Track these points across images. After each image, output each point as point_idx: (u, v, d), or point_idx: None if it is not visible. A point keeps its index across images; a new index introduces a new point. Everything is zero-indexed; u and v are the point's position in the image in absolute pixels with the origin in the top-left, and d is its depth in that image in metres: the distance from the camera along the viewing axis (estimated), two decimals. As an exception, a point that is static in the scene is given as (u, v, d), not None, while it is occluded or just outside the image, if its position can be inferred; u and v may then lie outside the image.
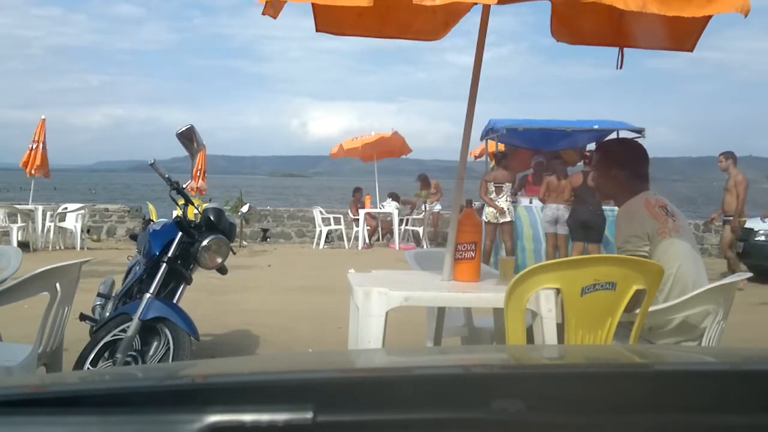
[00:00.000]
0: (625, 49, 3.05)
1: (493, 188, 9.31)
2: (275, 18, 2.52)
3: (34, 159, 11.84)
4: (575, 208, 8.78)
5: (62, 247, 11.30)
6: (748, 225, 9.88)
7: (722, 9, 2.25)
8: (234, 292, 7.13)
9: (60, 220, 11.54)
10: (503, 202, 9.26)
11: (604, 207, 8.42)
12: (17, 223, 11.11)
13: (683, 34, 2.96)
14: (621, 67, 3.03)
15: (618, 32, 2.99)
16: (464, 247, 2.80)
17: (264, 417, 0.68)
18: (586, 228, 8.65)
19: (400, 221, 13.28)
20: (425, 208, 13.46)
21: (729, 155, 8.54)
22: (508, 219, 9.26)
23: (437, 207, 13.59)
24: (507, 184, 9.33)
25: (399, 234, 13.14)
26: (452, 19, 3.19)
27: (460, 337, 3.57)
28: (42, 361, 2.92)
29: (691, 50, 3.01)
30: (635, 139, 9.67)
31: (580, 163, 10.41)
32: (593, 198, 8.41)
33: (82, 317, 3.80)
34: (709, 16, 2.65)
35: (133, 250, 4.66)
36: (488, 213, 9.23)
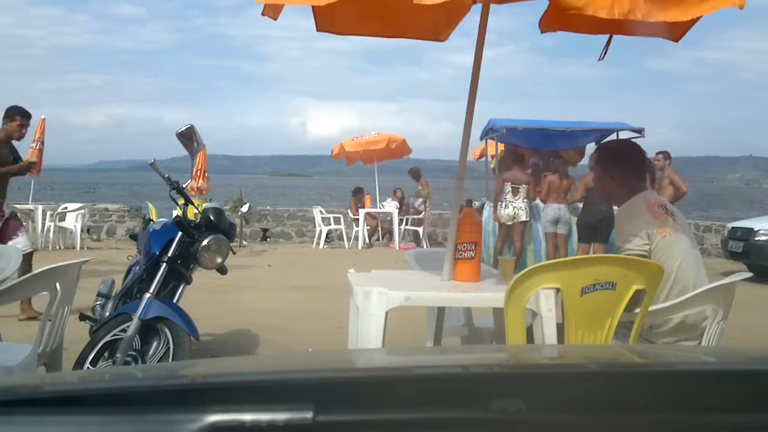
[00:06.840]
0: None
1: (509, 188, 9.28)
2: (275, 19, 2.51)
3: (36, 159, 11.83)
4: (586, 209, 8.73)
5: (62, 247, 11.29)
6: (748, 225, 9.86)
7: (718, 5, 2.26)
8: (234, 292, 7.14)
9: (60, 220, 11.53)
10: (520, 202, 9.24)
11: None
12: (17, 222, 11.10)
13: (674, 25, 2.95)
14: (603, 58, 3.00)
15: (609, 20, 2.97)
16: (464, 247, 2.79)
17: (264, 417, 0.68)
18: (595, 229, 8.59)
19: (400, 221, 13.29)
20: (425, 208, 13.44)
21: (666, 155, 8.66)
22: (523, 219, 9.24)
23: (418, 202, 13.57)
24: (524, 185, 9.30)
25: (399, 234, 13.14)
26: (454, 18, 3.18)
27: (460, 337, 3.57)
28: (42, 360, 2.92)
29: (677, 41, 2.97)
30: (634, 140, 9.70)
31: (581, 163, 10.40)
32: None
33: (82, 317, 3.80)
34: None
35: (133, 249, 4.66)
36: (503, 215, 9.19)
